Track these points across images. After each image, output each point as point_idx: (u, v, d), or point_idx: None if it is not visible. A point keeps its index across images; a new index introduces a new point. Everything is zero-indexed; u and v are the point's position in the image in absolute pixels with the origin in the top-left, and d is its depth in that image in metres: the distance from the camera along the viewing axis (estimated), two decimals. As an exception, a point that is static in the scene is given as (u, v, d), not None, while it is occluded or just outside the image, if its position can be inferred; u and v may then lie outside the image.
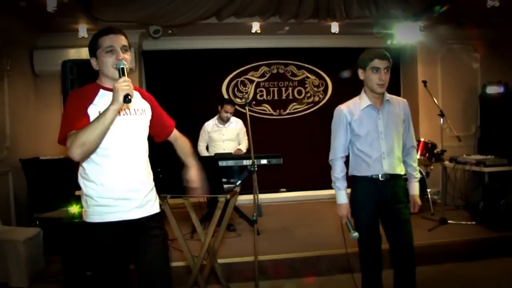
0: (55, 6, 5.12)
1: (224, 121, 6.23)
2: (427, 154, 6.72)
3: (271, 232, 5.92)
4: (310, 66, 8.46)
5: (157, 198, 2.73)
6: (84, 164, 2.50)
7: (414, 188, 3.52)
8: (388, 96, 3.40)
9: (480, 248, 5.21)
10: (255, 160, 3.88)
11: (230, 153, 6.00)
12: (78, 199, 4.82)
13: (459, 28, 7.45)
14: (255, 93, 8.30)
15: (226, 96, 8.02)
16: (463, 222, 6.01)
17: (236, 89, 8.23)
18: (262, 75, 8.33)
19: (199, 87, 7.90)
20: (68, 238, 4.18)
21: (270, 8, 6.57)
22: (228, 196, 4.07)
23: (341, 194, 3.45)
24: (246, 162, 4.22)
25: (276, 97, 8.39)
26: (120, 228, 2.48)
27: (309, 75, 8.44)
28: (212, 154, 6.07)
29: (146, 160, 2.64)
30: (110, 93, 2.32)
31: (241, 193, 4.86)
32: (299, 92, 8.43)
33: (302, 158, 7.98)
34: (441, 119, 6.28)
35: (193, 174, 2.86)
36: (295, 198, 8.18)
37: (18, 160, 6.15)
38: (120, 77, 2.33)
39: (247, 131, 4.86)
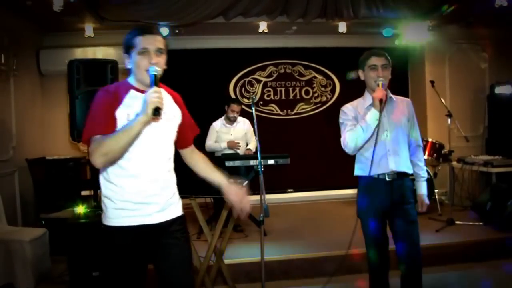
0: (62, 6, 5.12)
1: (231, 120, 6.23)
2: (435, 155, 6.68)
3: (278, 232, 5.90)
4: (317, 66, 8.43)
5: (180, 201, 2.61)
6: (107, 166, 2.39)
7: (422, 188, 3.51)
8: (391, 94, 3.40)
9: (488, 249, 5.18)
10: (262, 160, 3.85)
11: (237, 153, 5.98)
12: (84, 200, 4.86)
13: (467, 27, 7.42)
14: (262, 93, 8.28)
15: (233, 96, 8.00)
16: (471, 223, 5.98)
17: (243, 89, 8.21)
18: (270, 75, 8.31)
19: (206, 87, 7.87)
20: (74, 239, 4.17)
21: (278, 8, 6.54)
22: (235, 196, 4.05)
23: (366, 116, 3.25)
24: (253, 162, 4.18)
25: (283, 97, 8.36)
26: (140, 232, 2.39)
27: (316, 75, 8.41)
28: (219, 154, 6.06)
29: (170, 165, 2.54)
30: (141, 96, 2.26)
31: (248, 194, 4.85)
32: (307, 92, 8.40)
33: (310, 158, 7.96)
34: (449, 120, 6.24)
35: (236, 193, 2.58)
36: (302, 198, 8.15)
37: (24, 160, 6.15)
38: (151, 85, 2.25)
39: (254, 131, 4.84)
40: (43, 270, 4.77)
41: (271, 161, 4.27)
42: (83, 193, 5.17)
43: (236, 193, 2.58)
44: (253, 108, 4.03)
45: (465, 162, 6.87)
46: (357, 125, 3.28)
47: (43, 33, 7.06)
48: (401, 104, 3.44)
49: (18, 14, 5.99)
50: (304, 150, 7.92)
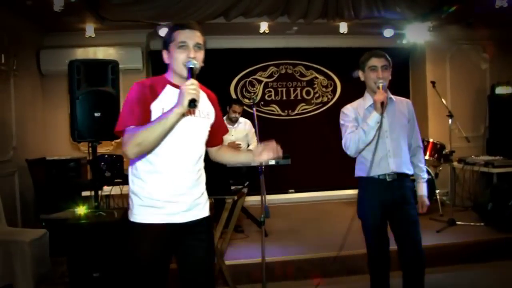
0: (62, 6, 5.11)
1: (232, 121, 6.23)
2: (436, 155, 6.67)
3: (279, 233, 5.90)
4: (318, 67, 8.42)
5: (207, 201, 2.62)
6: (137, 161, 2.42)
7: (422, 189, 3.52)
8: (391, 95, 3.41)
9: (489, 250, 5.18)
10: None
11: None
12: (84, 200, 4.84)
13: (468, 28, 7.40)
14: (263, 94, 8.27)
15: (234, 97, 7.99)
16: (472, 223, 5.98)
17: (244, 89, 8.20)
18: (271, 75, 8.29)
19: (207, 87, 7.82)
20: (74, 240, 4.15)
21: (279, 8, 6.53)
22: (236, 197, 4.05)
23: (368, 119, 3.23)
24: (254, 163, 4.17)
25: (284, 98, 8.35)
26: (165, 230, 2.40)
27: (317, 75, 8.40)
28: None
29: (200, 165, 2.55)
30: (177, 91, 2.25)
31: (248, 194, 4.83)
32: (308, 93, 8.39)
33: (311, 159, 7.95)
34: (450, 120, 6.23)
35: (267, 145, 2.56)
36: (303, 199, 8.14)
37: (24, 161, 6.13)
38: (188, 78, 2.26)
39: (255, 131, 4.84)
40: (43, 271, 4.74)
41: (272, 162, 4.26)
42: (84, 193, 5.15)
43: (264, 146, 2.57)
44: (254, 109, 4.03)
45: (466, 163, 6.86)
46: (358, 128, 3.28)
47: (43, 33, 7.04)
48: (401, 105, 3.44)
49: (18, 14, 5.97)
50: (305, 151, 7.90)
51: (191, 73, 2.29)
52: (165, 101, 2.35)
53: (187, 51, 2.37)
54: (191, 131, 2.44)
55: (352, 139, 3.28)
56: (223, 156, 2.80)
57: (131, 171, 2.48)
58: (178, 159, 2.40)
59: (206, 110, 2.56)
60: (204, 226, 2.55)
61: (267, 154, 2.55)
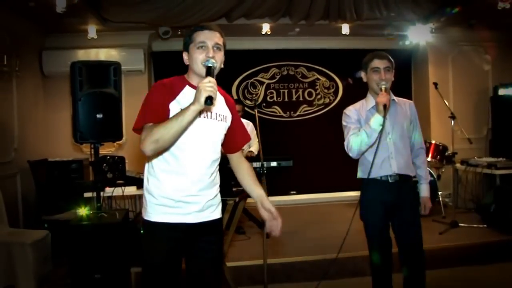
0: (64, 7, 5.10)
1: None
2: (438, 157, 6.65)
3: (281, 235, 5.85)
4: (320, 68, 8.40)
5: (220, 204, 2.64)
6: (154, 160, 2.46)
7: (425, 190, 3.51)
8: (394, 96, 3.40)
9: (492, 251, 5.17)
10: (264, 163, 3.84)
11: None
12: (86, 201, 4.84)
13: (470, 29, 7.39)
14: (265, 95, 8.25)
15: (236, 98, 7.98)
16: (475, 225, 5.97)
17: (246, 90, 8.19)
18: (272, 77, 8.28)
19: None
20: (76, 241, 4.15)
21: (281, 9, 6.53)
22: (237, 198, 4.04)
23: (370, 121, 3.22)
24: (255, 165, 4.16)
25: (286, 99, 8.33)
26: (177, 230, 2.43)
27: (319, 76, 8.38)
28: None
29: (215, 167, 2.57)
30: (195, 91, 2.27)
31: (250, 196, 4.83)
32: (310, 94, 8.37)
33: (313, 161, 7.93)
34: (452, 121, 6.23)
35: (270, 212, 2.59)
36: (305, 200, 8.13)
37: (26, 162, 6.13)
38: (206, 76, 2.28)
39: (257, 133, 4.84)
40: (45, 273, 4.75)
41: (274, 163, 4.25)
42: (86, 195, 5.14)
43: (270, 212, 2.59)
44: (256, 111, 4.02)
45: (468, 164, 6.85)
46: (361, 130, 3.27)
47: (45, 34, 7.04)
48: (404, 107, 3.44)
49: (21, 15, 5.98)
50: (307, 152, 7.89)
51: (209, 72, 2.32)
52: (183, 100, 2.37)
53: (206, 51, 2.41)
54: (208, 133, 2.47)
55: (354, 141, 3.28)
56: (240, 172, 2.76)
57: (147, 170, 2.52)
58: (195, 160, 2.43)
59: (223, 114, 2.59)
60: (216, 228, 2.59)
61: (267, 218, 2.60)
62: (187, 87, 2.47)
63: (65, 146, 7.02)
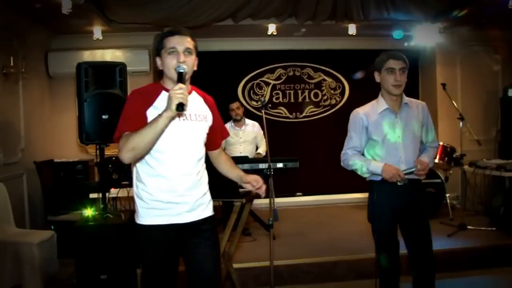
0: (70, 8, 5.11)
1: (237, 121, 6.24)
2: (446, 158, 6.58)
3: (287, 236, 5.86)
4: (327, 69, 8.36)
5: (211, 201, 2.70)
6: (138, 164, 2.52)
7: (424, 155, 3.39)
8: (406, 99, 3.38)
9: (501, 255, 5.11)
10: (271, 164, 3.81)
11: (246, 157, 5.94)
12: (92, 202, 4.84)
13: (479, 29, 7.34)
14: (271, 96, 8.23)
15: (241, 99, 7.96)
16: (483, 228, 5.92)
17: (252, 91, 8.17)
18: (278, 78, 8.26)
19: (214, 90, 7.65)
20: (82, 241, 4.15)
21: (287, 10, 6.50)
22: (244, 200, 4.02)
23: (373, 165, 3.26)
24: (262, 166, 4.14)
25: (292, 100, 8.31)
26: (170, 231, 2.48)
27: (325, 77, 8.35)
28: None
29: (201, 166, 2.62)
30: None
31: (256, 197, 4.80)
32: (316, 95, 8.34)
33: (319, 162, 7.89)
34: (461, 123, 6.17)
35: (253, 177, 2.76)
36: (312, 202, 8.11)
37: (32, 163, 6.15)
38: (177, 82, 2.33)
39: (264, 134, 4.82)
40: (51, 273, 4.77)
41: (280, 165, 4.22)
42: (91, 195, 5.15)
43: (252, 178, 2.73)
44: (263, 112, 4.00)
45: (477, 166, 6.77)
46: (361, 160, 3.31)
47: (51, 35, 7.07)
48: (416, 109, 3.39)
49: (26, 17, 5.98)
50: (313, 154, 7.87)
51: (180, 77, 2.36)
52: (161, 107, 2.38)
53: (177, 56, 2.44)
54: (189, 134, 2.52)
55: (349, 163, 3.36)
56: (220, 165, 2.89)
57: (134, 176, 2.58)
58: (177, 162, 2.47)
59: (203, 113, 2.63)
60: (209, 225, 2.62)
61: (252, 187, 2.73)
62: (163, 92, 2.49)
63: (71, 147, 7.04)
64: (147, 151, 2.38)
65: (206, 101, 2.71)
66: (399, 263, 3.37)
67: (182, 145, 2.48)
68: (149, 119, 2.39)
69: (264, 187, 2.73)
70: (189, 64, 2.47)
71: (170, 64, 2.44)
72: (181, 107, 2.23)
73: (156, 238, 2.48)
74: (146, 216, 2.49)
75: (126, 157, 2.31)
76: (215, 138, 2.77)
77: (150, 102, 2.46)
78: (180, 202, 2.48)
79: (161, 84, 2.57)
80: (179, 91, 2.24)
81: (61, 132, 7.09)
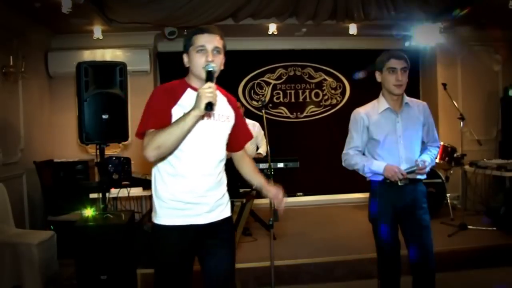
0: (70, 8, 5.11)
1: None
2: (447, 158, 6.57)
3: (288, 236, 5.85)
4: (327, 68, 8.34)
5: (229, 202, 2.68)
6: (159, 164, 2.48)
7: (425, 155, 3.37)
8: (407, 99, 3.38)
9: (501, 254, 5.10)
10: (271, 164, 3.81)
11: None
12: (92, 202, 4.83)
13: (480, 29, 7.33)
14: (271, 96, 8.21)
15: (242, 99, 7.95)
16: (484, 228, 5.91)
17: (252, 91, 8.15)
18: (279, 77, 8.24)
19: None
20: (82, 242, 4.14)
21: (287, 10, 6.49)
22: (244, 200, 4.02)
23: (375, 164, 3.26)
24: (262, 166, 4.14)
25: (293, 100, 8.29)
26: (189, 231, 2.46)
27: (326, 77, 8.33)
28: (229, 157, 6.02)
29: (221, 167, 2.60)
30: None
31: (257, 197, 4.79)
32: (317, 95, 8.32)
33: (319, 162, 7.89)
34: (461, 123, 6.15)
35: (273, 190, 2.70)
36: (312, 202, 8.09)
37: (32, 163, 6.13)
38: (206, 81, 2.30)
39: (264, 134, 4.81)
40: (51, 273, 4.76)
41: (280, 165, 4.23)
42: (91, 196, 5.14)
43: (274, 192, 2.68)
44: (263, 111, 3.99)
45: (478, 166, 6.76)
46: (362, 160, 3.31)
47: (51, 35, 7.05)
48: (417, 110, 3.40)
49: (26, 16, 5.97)
50: (314, 153, 7.87)
51: (209, 76, 2.33)
52: (186, 104, 2.38)
53: (205, 55, 2.43)
54: (211, 135, 2.49)
55: (351, 163, 3.37)
56: (242, 167, 2.85)
57: (154, 174, 2.54)
58: (199, 162, 2.45)
59: (226, 114, 2.61)
60: (227, 226, 2.62)
61: (275, 198, 2.68)
62: (189, 90, 2.48)
63: (70, 147, 7.03)
64: (173, 149, 2.35)
65: (229, 101, 2.69)
66: (399, 263, 3.37)
67: (205, 145, 2.46)
68: (174, 117, 2.37)
69: (283, 202, 2.68)
70: (217, 63, 2.45)
71: (198, 62, 2.43)
72: (210, 107, 2.20)
73: (174, 239, 2.46)
74: (165, 216, 2.47)
75: (151, 155, 2.29)
76: (237, 139, 2.75)
77: (175, 100, 2.43)
78: (200, 203, 2.46)
79: (186, 82, 2.54)
80: (209, 90, 2.22)
81: (61, 132, 7.08)
